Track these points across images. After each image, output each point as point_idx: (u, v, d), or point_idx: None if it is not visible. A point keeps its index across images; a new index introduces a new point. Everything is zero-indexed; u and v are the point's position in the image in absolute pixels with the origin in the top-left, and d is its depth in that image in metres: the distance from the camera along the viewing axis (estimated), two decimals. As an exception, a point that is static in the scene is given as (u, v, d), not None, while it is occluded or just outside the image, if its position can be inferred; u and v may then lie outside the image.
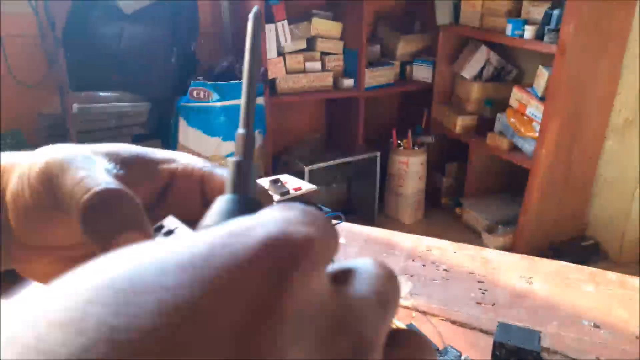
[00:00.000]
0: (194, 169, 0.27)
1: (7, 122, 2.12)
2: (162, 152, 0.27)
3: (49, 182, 0.23)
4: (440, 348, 0.55)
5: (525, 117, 2.32)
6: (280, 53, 2.46)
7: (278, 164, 2.68)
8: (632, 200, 2.29)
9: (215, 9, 2.57)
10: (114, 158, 0.25)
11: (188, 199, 0.27)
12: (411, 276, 0.69)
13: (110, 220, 0.22)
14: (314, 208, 0.18)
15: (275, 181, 0.67)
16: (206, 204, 0.23)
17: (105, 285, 0.12)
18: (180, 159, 0.27)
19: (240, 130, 0.21)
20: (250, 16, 0.22)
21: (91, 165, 0.23)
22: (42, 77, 2.16)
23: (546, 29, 2.12)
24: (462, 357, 0.54)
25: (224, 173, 0.26)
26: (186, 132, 2.27)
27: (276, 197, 0.65)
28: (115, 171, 0.25)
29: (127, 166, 0.26)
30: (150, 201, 0.26)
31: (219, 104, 2.22)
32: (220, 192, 0.22)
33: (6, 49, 2.11)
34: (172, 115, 2.31)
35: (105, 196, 0.22)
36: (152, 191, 0.26)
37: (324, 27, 2.54)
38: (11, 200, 0.24)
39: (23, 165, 0.24)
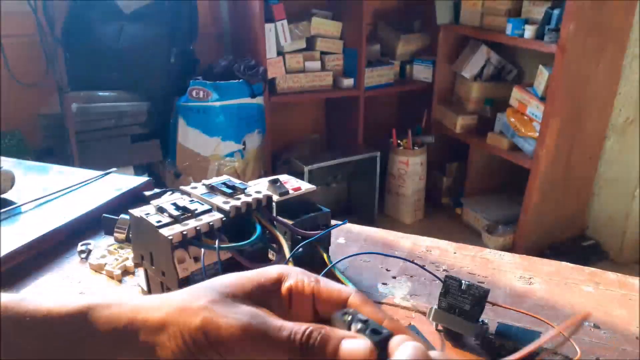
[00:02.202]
0: (304, 284, 0.32)
1: (6, 122, 2.12)
2: (268, 272, 0.32)
3: (240, 344, 0.28)
4: (440, 349, 0.55)
5: (525, 117, 2.32)
6: (280, 52, 2.46)
7: (277, 164, 2.68)
8: (633, 200, 2.29)
9: (214, 8, 2.57)
10: (241, 293, 0.31)
11: (302, 310, 0.32)
12: (411, 277, 0.68)
13: (330, 341, 0.28)
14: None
15: (275, 181, 0.67)
16: (316, 312, 0.31)
17: None
18: (289, 274, 0.32)
19: None
20: None
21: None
22: (41, 77, 2.15)
23: (546, 28, 2.11)
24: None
25: (330, 283, 0.32)
26: (185, 132, 2.27)
27: (275, 197, 0.65)
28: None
29: (260, 296, 0.31)
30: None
31: (218, 103, 2.22)
32: (329, 302, 0.30)
33: (5, 49, 2.11)
34: (171, 115, 2.31)
35: (317, 330, 0.28)
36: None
37: (324, 26, 2.54)
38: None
39: (183, 326, 0.29)
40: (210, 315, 0.29)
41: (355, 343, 0.27)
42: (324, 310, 0.31)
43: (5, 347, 0.30)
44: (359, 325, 0.29)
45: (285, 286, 0.32)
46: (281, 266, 0.33)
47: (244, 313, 0.29)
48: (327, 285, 0.32)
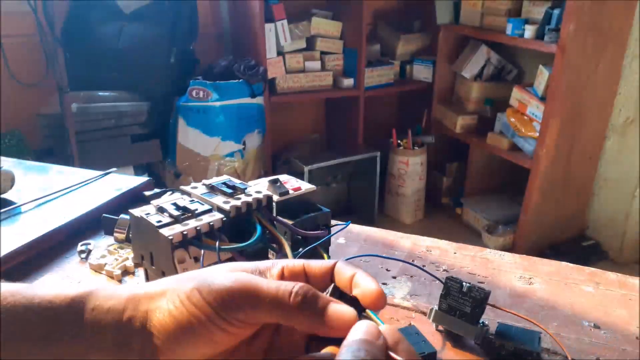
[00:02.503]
0: (295, 263, 0.34)
1: (6, 122, 2.12)
2: (260, 263, 0.35)
3: (232, 299, 0.30)
4: (440, 349, 0.55)
5: (525, 117, 2.32)
6: (280, 52, 2.46)
7: (277, 164, 2.68)
8: (633, 200, 2.29)
9: (214, 8, 2.57)
10: (232, 268, 0.33)
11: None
12: (411, 277, 0.68)
13: (319, 300, 0.30)
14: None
15: (275, 181, 0.67)
16: (307, 281, 0.33)
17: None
18: (275, 263, 0.34)
19: None
20: None
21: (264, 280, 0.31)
22: (41, 77, 2.15)
23: (546, 28, 2.11)
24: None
25: (315, 260, 0.35)
26: (185, 132, 2.27)
27: (275, 197, 0.65)
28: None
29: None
30: None
31: (218, 103, 2.22)
32: (320, 273, 0.33)
33: (5, 49, 2.11)
34: (171, 115, 2.31)
35: (306, 288, 0.30)
36: None
37: (324, 26, 2.54)
38: (169, 320, 0.30)
39: (179, 289, 0.31)
40: (204, 276, 0.31)
41: (343, 308, 0.30)
42: (316, 283, 0.34)
43: (17, 330, 0.31)
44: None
45: (277, 268, 0.34)
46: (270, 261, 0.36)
47: (235, 274, 0.32)
48: (314, 261, 0.35)
